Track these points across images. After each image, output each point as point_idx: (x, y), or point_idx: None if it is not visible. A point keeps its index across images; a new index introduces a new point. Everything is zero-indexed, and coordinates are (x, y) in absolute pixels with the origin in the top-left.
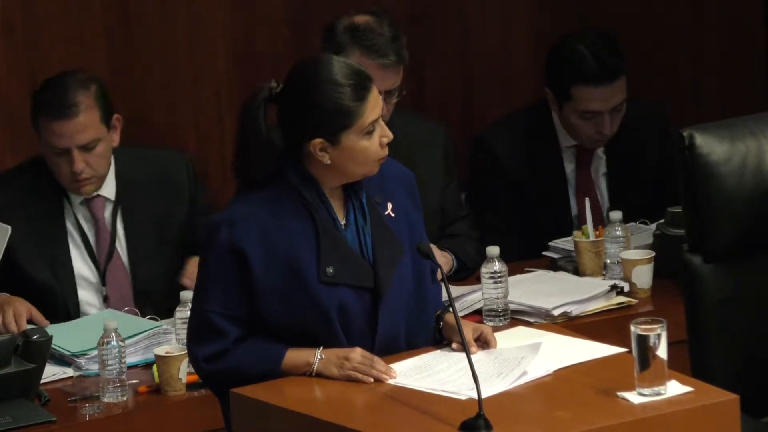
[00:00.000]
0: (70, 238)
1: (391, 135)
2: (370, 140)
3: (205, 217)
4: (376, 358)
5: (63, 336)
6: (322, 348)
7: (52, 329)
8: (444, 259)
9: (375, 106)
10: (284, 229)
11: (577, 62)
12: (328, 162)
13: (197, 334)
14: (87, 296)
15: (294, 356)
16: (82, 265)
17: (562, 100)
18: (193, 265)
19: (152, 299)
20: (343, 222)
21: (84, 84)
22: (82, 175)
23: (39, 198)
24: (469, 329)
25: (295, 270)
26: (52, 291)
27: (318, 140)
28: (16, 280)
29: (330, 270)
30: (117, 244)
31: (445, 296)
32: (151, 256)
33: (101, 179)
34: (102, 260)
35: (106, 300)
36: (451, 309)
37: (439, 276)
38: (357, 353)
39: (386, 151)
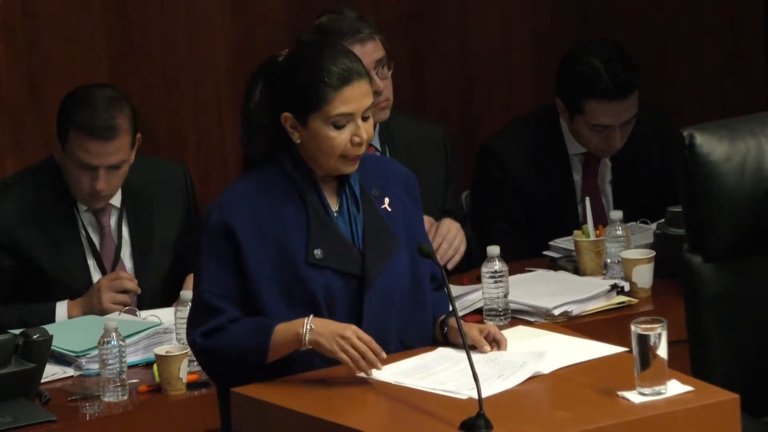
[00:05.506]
0: (83, 245)
1: (365, 136)
2: (338, 133)
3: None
4: (371, 339)
5: (63, 336)
6: (311, 317)
7: (52, 329)
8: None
9: (350, 100)
10: (275, 211)
11: (590, 77)
12: (298, 141)
13: (195, 316)
14: None
15: (283, 329)
16: (91, 272)
17: (573, 112)
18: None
19: (154, 306)
20: (335, 209)
21: (121, 106)
22: (102, 193)
23: (49, 207)
24: (475, 330)
25: (283, 251)
26: (73, 297)
27: (288, 114)
28: (40, 288)
29: (318, 252)
30: (121, 251)
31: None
32: (154, 262)
33: (113, 195)
34: (108, 267)
35: None
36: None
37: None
38: (352, 332)
39: (359, 151)
